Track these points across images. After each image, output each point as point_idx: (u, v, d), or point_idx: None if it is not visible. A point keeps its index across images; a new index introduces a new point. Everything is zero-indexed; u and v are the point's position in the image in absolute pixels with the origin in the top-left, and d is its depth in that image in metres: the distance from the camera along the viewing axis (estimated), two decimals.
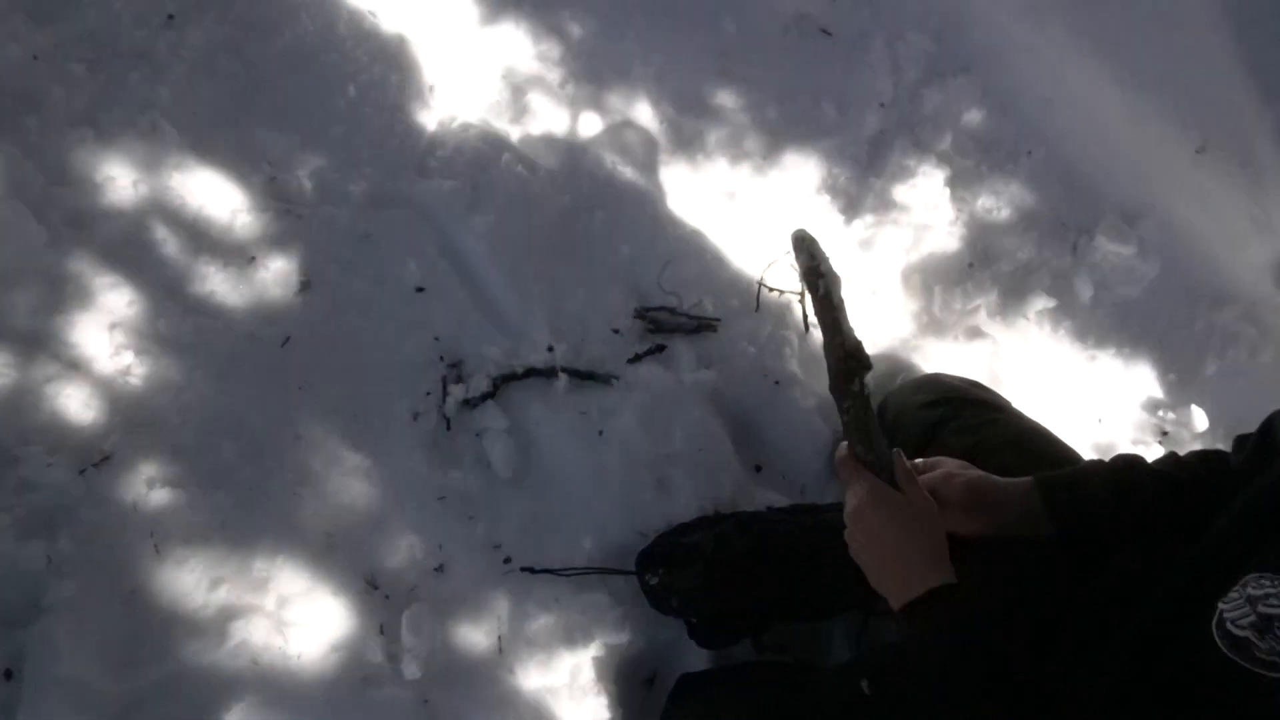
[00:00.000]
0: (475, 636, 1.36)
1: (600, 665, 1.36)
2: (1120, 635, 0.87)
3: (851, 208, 1.78)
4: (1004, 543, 1.07)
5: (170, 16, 1.73)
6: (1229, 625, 0.73)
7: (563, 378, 1.52)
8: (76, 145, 1.57)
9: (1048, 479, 1.05)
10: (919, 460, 1.12)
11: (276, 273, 1.57)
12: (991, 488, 1.06)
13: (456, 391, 1.50)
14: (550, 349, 1.55)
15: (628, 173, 1.74)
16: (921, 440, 1.32)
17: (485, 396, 1.50)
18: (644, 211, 1.72)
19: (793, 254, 1.02)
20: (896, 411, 1.43)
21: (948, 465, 1.10)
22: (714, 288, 1.66)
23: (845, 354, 0.98)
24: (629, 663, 1.39)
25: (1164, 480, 1.01)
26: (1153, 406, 1.73)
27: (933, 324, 1.73)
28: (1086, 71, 1.81)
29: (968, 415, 1.34)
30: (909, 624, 0.94)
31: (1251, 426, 0.98)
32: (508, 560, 1.41)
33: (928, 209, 1.78)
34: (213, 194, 1.61)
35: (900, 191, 1.79)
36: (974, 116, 1.88)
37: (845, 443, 1.04)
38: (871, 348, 1.67)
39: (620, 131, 1.78)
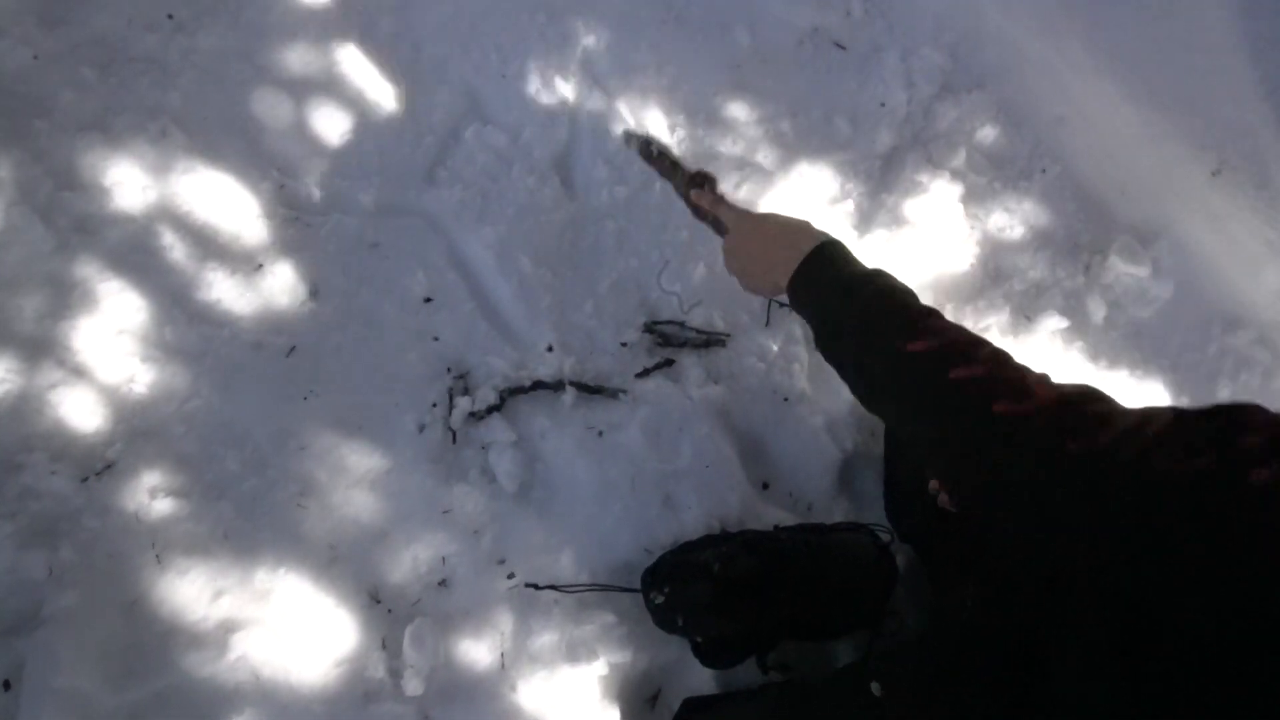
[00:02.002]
0: (478, 652, 1.35)
1: (604, 683, 1.35)
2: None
3: (864, 223, 1.76)
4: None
5: (169, 16, 1.72)
6: None
7: (570, 391, 1.51)
8: (85, 150, 1.56)
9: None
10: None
11: (284, 281, 1.56)
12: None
13: (463, 404, 1.49)
14: (550, 349, 1.55)
15: (638, 185, 1.73)
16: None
17: (491, 409, 1.49)
18: (654, 224, 1.71)
19: (630, 147, 1.42)
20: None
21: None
22: (723, 302, 1.65)
23: (694, 173, 1.31)
24: (633, 681, 1.38)
25: None
26: None
27: None
28: (1102, 90, 1.80)
29: None
30: (801, 293, 1.03)
31: None
32: (512, 576, 1.40)
33: (940, 226, 1.77)
34: (221, 201, 1.60)
35: (913, 207, 1.77)
36: (988, 133, 1.87)
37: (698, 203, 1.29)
38: None
39: (632, 143, 1.77)
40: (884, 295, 0.95)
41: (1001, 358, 0.86)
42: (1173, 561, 0.65)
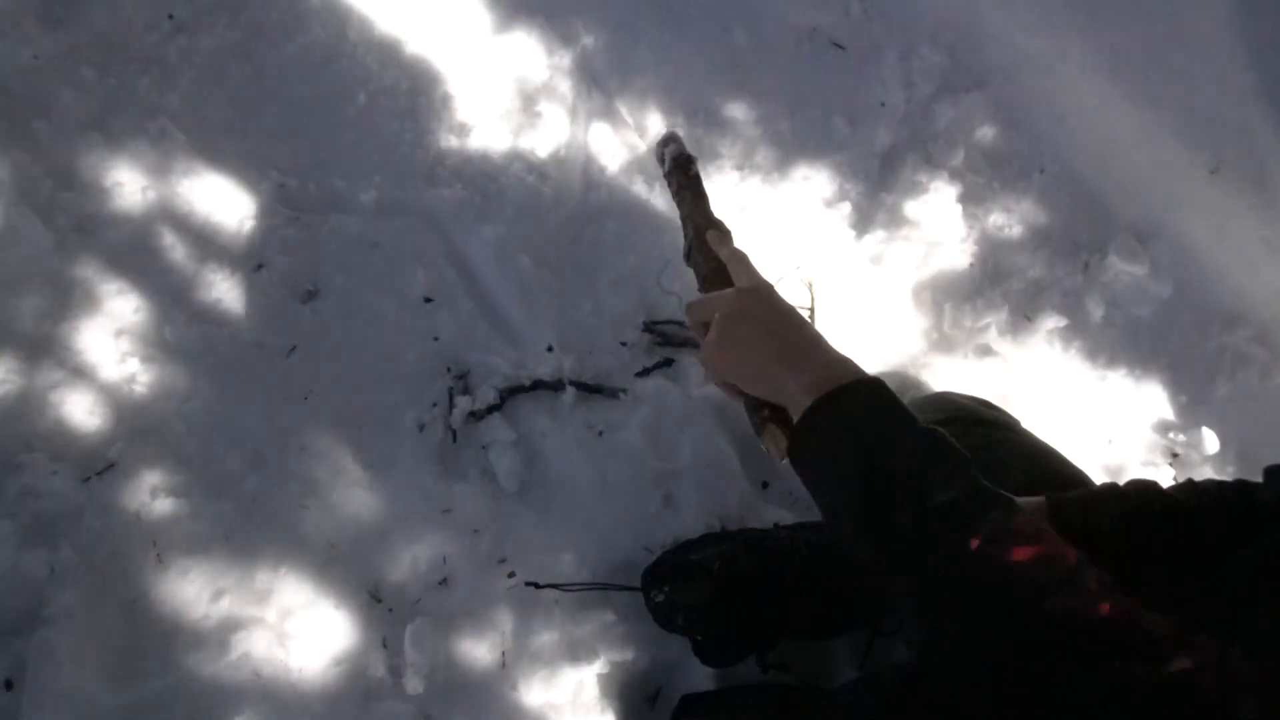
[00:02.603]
0: (479, 651, 1.35)
1: (604, 682, 1.35)
2: None
3: (862, 223, 1.77)
4: None
5: (170, 16, 1.72)
6: None
7: (570, 390, 1.51)
8: (85, 150, 1.57)
9: (1061, 499, 0.99)
10: None
11: (283, 281, 1.56)
12: None
13: (463, 403, 1.49)
14: (550, 348, 1.55)
15: (638, 184, 1.73)
16: None
17: (492, 408, 1.50)
18: (653, 224, 1.71)
19: (662, 147, 1.12)
20: None
21: None
22: None
23: (708, 222, 1.06)
24: (633, 680, 1.38)
25: (1178, 509, 0.99)
26: (1163, 428, 1.72)
27: (942, 341, 1.72)
28: (1101, 89, 1.81)
29: (977, 434, 1.33)
30: (824, 427, 0.78)
31: (1263, 450, 0.96)
32: (512, 575, 1.40)
33: (939, 225, 1.77)
34: (221, 200, 1.60)
35: (911, 207, 1.78)
36: (986, 133, 1.87)
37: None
38: (880, 364, 1.68)
39: (631, 143, 1.77)
40: (953, 474, 0.72)
41: (1127, 603, 0.65)
42: None
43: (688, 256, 1.08)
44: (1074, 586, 0.65)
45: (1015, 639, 0.66)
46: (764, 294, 0.93)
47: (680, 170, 1.09)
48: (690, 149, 1.15)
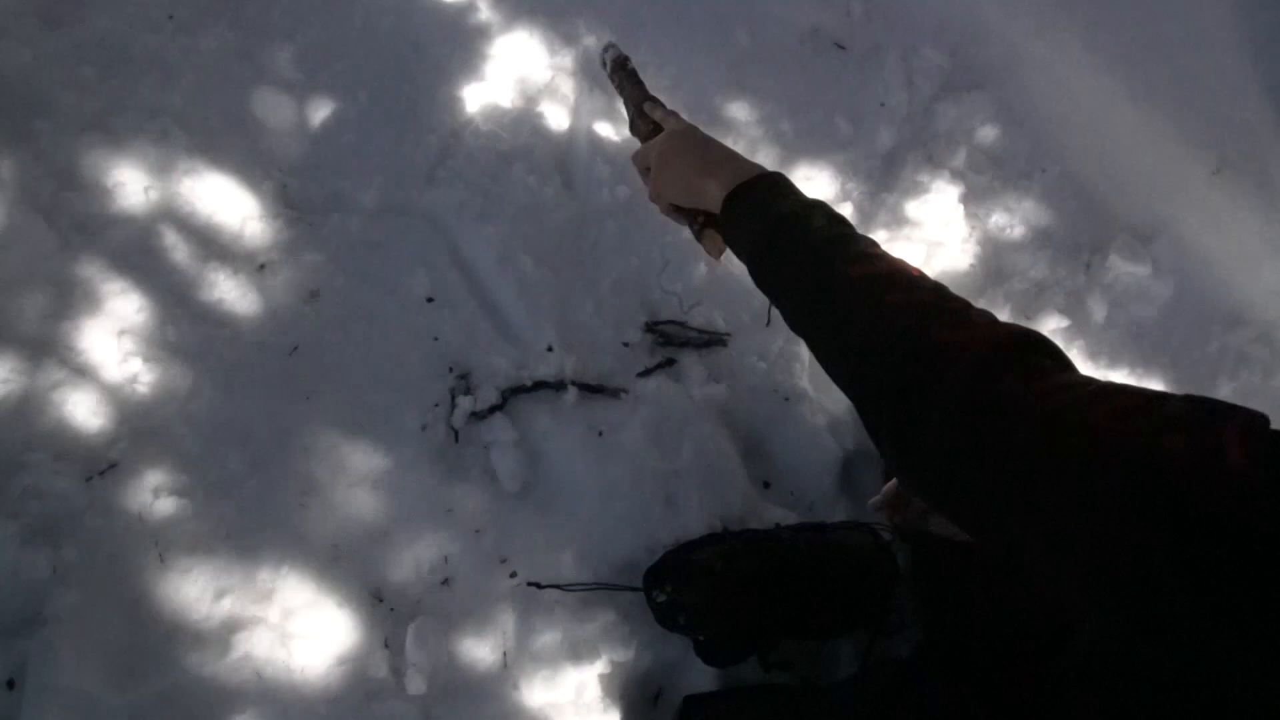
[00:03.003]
0: (480, 651, 1.35)
1: (606, 682, 1.35)
2: None
3: (864, 223, 1.77)
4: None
5: (171, 17, 1.72)
6: None
7: (571, 390, 1.51)
8: (87, 150, 1.57)
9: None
10: None
11: (286, 281, 1.56)
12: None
13: (465, 403, 1.49)
14: (551, 348, 1.55)
15: (639, 184, 1.72)
16: None
17: (493, 408, 1.50)
18: (654, 224, 1.71)
19: (604, 53, 1.33)
20: None
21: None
22: (724, 302, 1.66)
23: (645, 97, 1.26)
24: (635, 680, 1.38)
25: None
26: None
27: None
28: (1102, 89, 1.80)
29: None
30: (740, 212, 0.98)
31: None
32: (514, 575, 1.40)
33: (940, 225, 1.77)
34: (223, 201, 1.60)
35: (913, 207, 1.78)
36: (988, 133, 1.87)
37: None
38: None
39: (633, 142, 1.77)
40: (830, 222, 0.92)
41: (943, 290, 0.81)
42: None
43: (632, 127, 1.28)
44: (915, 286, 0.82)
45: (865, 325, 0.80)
46: (689, 131, 1.13)
47: (619, 68, 1.32)
48: None
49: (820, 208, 0.94)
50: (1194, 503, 0.54)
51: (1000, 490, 0.66)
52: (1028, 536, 0.64)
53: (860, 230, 0.93)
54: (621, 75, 1.33)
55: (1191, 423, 0.57)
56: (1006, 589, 1.12)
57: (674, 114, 1.20)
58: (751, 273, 0.97)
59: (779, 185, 0.98)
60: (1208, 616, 0.52)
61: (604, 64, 1.36)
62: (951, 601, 1.26)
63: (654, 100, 1.26)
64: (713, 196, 1.01)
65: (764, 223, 0.94)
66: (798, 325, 0.91)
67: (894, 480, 1.24)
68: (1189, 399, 0.60)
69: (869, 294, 0.81)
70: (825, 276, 0.86)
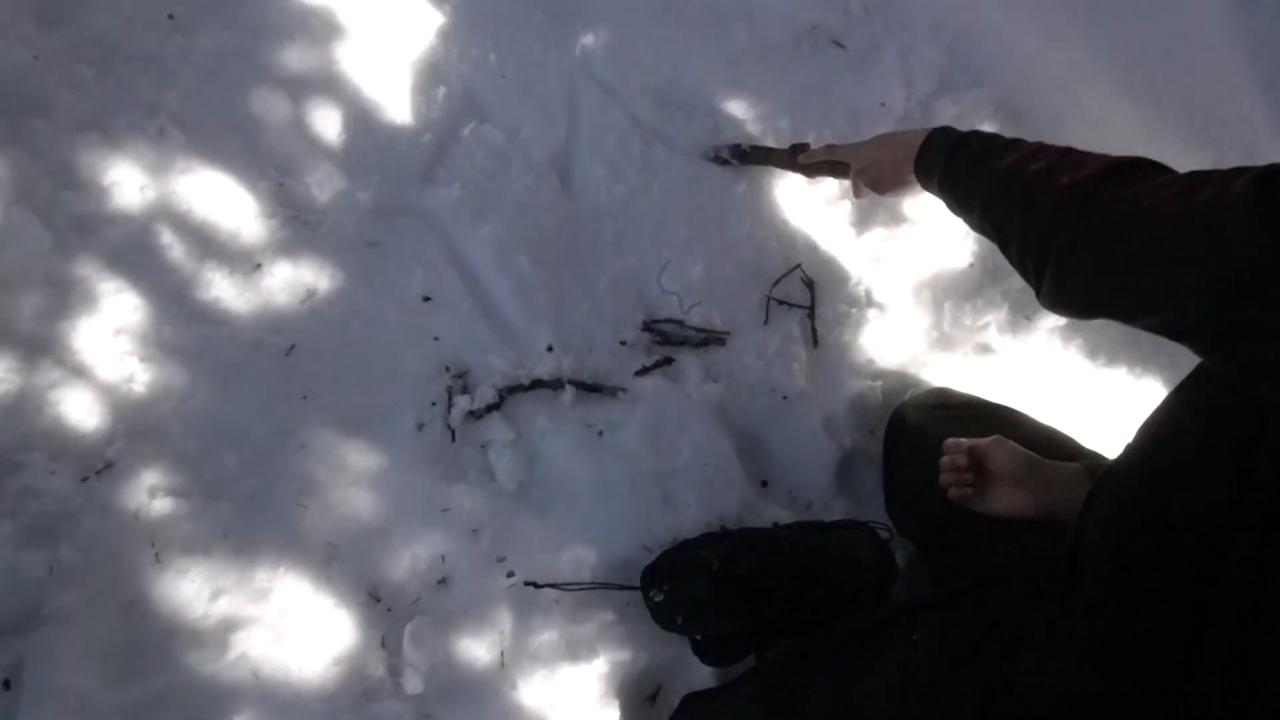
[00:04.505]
0: (478, 651, 1.35)
1: (604, 681, 1.35)
2: None
3: (863, 221, 1.76)
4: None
5: (169, 16, 1.72)
6: None
7: (569, 390, 1.51)
8: (84, 149, 1.57)
9: (1100, 464, 1.08)
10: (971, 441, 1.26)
11: (282, 280, 1.56)
12: (1042, 464, 1.16)
13: (462, 402, 1.49)
14: (549, 347, 1.55)
15: (636, 182, 1.73)
16: None
17: (491, 408, 1.49)
18: (652, 223, 1.71)
19: (721, 152, 1.72)
20: (920, 422, 1.42)
21: (1000, 438, 1.22)
22: (722, 301, 1.65)
23: (791, 145, 1.66)
24: (632, 679, 1.38)
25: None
26: None
27: (943, 340, 1.71)
28: (1100, 88, 1.80)
29: (994, 417, 1.36)
30: (925, 168, 1.27)
31: None
32: (511, 574, 1.40)
33: (939, 224, 1.77)
34: (220, 200, 1.60)
35: (911, 205, 1.77)
36: (986, 131, 1.86)
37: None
38: (881, 363, 1.68)
39: (630, 140, 1.77)
40: (982, 140, 1.20)
41: (1071, 150, 1.05)
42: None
43: (797, 169, 1.66)
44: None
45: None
46: (863, 150, 1.48)
47: (745, 155, 1.65)
48: (695, 149, 1.77)
49: (974, 133, 1.23)
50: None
51: (1106, 289, 0.93)
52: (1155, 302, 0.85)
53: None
54: (755, 156, 1.64)
55: (1217, 178, 0.78)
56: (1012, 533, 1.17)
57: (831, 148, 1.57)
58: (950, 200, 1.24)
59: (940, 137, 1.27)
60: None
61: (726, 162, 1.70)
62: (964, 552, 1.26)
63: (800, 145, 1.63)
64: (912, 179, 1.32)
65: (942, 168, 1.23)
66: (985, 223, 1.13)
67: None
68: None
69: (1015, 175, 1.06)
70: (984, 177, 1.12)
